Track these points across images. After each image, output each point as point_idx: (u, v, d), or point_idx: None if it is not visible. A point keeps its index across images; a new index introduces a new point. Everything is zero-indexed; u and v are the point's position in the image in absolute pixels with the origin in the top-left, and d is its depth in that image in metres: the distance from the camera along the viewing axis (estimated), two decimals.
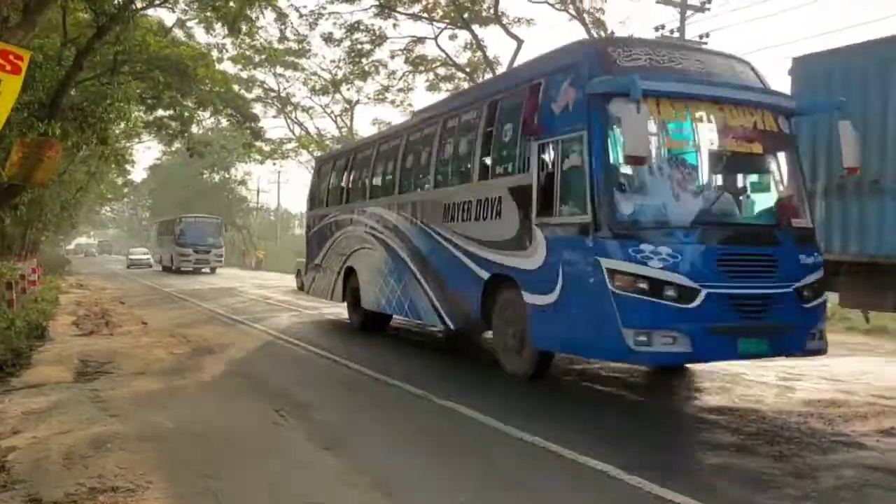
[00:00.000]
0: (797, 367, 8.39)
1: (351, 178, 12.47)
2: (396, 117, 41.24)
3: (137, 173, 60.32)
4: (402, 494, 4.25)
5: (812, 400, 6.72)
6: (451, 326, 8.69)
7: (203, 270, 36.68)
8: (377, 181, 11.28)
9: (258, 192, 68.31)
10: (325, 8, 28.72)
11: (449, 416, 6.06)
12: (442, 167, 9.30)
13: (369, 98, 36.38)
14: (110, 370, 8.39)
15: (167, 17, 55.75)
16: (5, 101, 5.44)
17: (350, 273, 11.78)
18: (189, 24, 26.53)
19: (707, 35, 24.55)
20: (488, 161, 8.05)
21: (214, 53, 27.85)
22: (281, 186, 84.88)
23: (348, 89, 36.41)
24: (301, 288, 17.33)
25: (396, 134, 11.14)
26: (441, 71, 30.30)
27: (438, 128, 9.34)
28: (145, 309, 16.48)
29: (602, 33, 21.68)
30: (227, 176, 63.46)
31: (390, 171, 10.73)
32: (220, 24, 19.06)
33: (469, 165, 8.46)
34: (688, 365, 7.75)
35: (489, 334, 8.33)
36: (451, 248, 8.43)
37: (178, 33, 25.35)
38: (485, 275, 7.70)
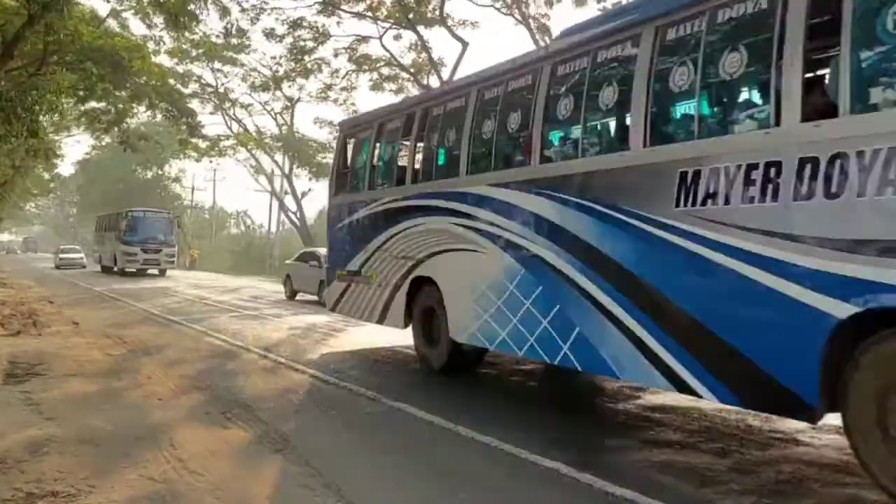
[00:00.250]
0: None
1: (423, 145, 8.61)
2: (338, 116, 40.89)
3: (65, 168, 58.02)
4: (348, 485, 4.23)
5: None
6: (717, 398, 4.70)
7: (149, 272, 32.77)
8: (488, 148, 7.21)
9: (193, 189, 66.55)
10: (267, 3, 28.27)
11: None
12: (679, 102, 5.24)
13: (311, 96, 36.10)
14: (41, 372, 8.04)
15: (101, 6, 53.89)
16: None
17: (421, 286, 8.23)
18: (124, 14, 25.67)
19: None
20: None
21: (151, 46, 27.05)
22: (217, 184, 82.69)
23: (290, 86, 35.94)
24: (308, 298, 16.30)
25: (530, 64, 6.78)
26: (385, 71, 30.19)
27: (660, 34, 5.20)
28: (75, 308, 15.84)
29: (546, 38, 22.01)
30: (160, 172, 61.68)
31: (521, 127, 6.75)
32: (159, 16, 18.52)
33: (773, 89, 4.36)
34: None
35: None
36: (714, 254, 4.54)
37: (112, 23, 24.53)
38: (838, 311, 3.87)
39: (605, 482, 4.33)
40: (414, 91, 29.76)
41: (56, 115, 20.76)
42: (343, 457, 4.94)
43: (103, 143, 49.31)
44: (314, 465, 4.72)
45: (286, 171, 41.30)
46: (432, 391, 7.18)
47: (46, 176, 45.49)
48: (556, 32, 22.18)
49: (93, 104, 26.17)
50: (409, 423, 5.87)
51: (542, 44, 22.12)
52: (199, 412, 6.21)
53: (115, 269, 32.68)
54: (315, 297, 18.11)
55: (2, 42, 12.40)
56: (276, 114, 40.25)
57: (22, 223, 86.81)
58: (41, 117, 15.06)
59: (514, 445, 5.09)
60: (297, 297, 19.71)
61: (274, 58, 34.97)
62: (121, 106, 27.08)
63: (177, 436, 5.39)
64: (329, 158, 36.18)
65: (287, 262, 22.34)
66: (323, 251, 13.80)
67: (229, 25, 29.18)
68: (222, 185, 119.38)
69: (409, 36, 27.02)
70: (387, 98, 29.98)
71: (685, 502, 4.12)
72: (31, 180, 40.05)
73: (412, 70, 28.64)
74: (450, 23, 24.89)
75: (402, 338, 10.96)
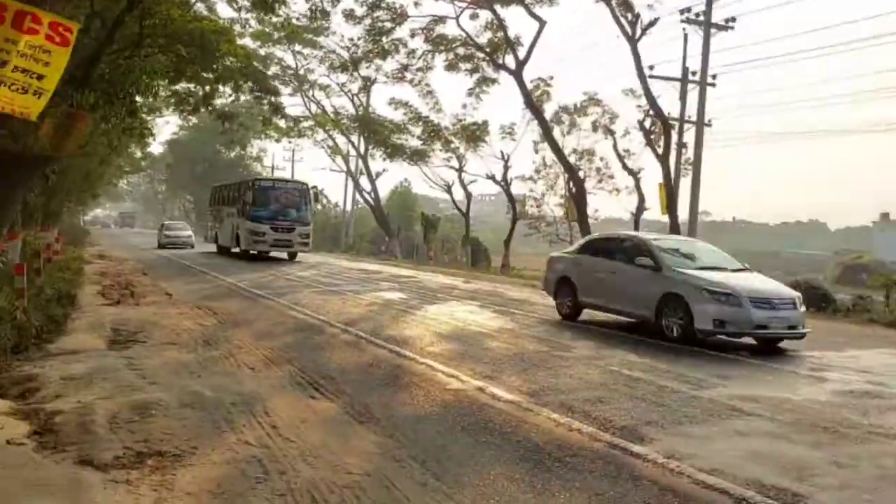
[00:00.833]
0: (825, 357, 8.44)
1: None
2: (414, 97, 41.12)
3: (155, 147, 60.55)
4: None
5: (844, 391, 6.76)
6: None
7: (275, 255, 26.42)
8: None
9: (273, 169, 68.42)
10: None
11: None
12: None
13: (387, 77, 36.22)
14: (142, 339, 8.54)
15: None
16: (55, 72, 5.51)
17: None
18: None
19: (733, 19, 24.31)
20: None
21: (236, 28, 27.87)
22: (295, 164, 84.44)
23: (367, 67, 36.29)
24: (608, 319, 11.34)
25: None
26: (461, 51, 30.07)
27: None
28: (168, 281, 16.65)
29: (629, 15, 21.46)
30: (242, 152, 63.62)
31: None
32: None
33: None
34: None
35: None
36: None
37: (200, 7, 25.35)
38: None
39: (694, 470, 4.30)
40: (489, 71, 29.63)
41: (150, 97, 21.68)
42: (426, 431, 5.07)
43: (190, 124, 51.24)
44: (398, 438, 4.88)
45: (362, 151, 41.91)
46: (514, 369, 7.24)
47: (139, 154, 47.54)
48: (640, 8, 21.61)
49: (182, 85, 27.18)
50: (487, 404, 5.94)
51: (624, 22, 21.58)
52: (288, 382, 6.47)
53: (237, 250, 26.48)
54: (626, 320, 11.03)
55: (103, 27, 13.02)
56: (353, 95, 40.83)
57: (115, 199, 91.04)
58: (138, 98, 15.77)
59: (596, 427, 5.12)
60: (585, 317, 11.52)
61: (352, 39, 35.16)
62: (207, 88, 28.03)
63: (269, 403, 5.65)
64: (404, 139, 36.53)
65: (562, 253, 13.11)
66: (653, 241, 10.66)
67: (314, 7, 29.66)
68: (300, 165, 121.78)
69: (485, 15, 26.83)
70: (462, 79, 29.77)
71: (779, 495, 4.05)
72: (124, 158, 41.99)
73: (488, 49, 28.44)
74: (527, 1, 24.55)
75: (470, 316, 11.06)
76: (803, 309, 9.20)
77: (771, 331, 8.76)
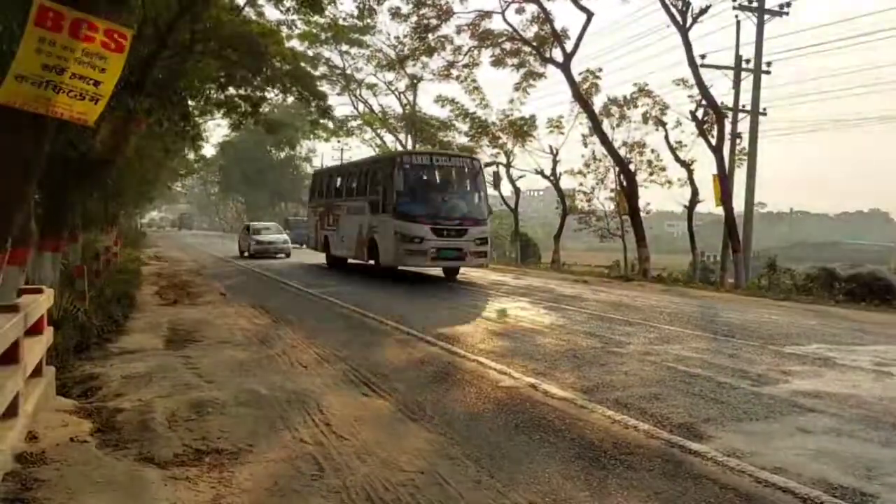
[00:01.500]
0: (890, 351, 8.08)
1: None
2: (460, 94, 41.00)
3: (208, 149, 61.91)
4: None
5: None
6: None
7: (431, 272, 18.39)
8: None
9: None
10: None
11: None
12: None
13: (434, 74, 36.25)
14: (198, 338, 8.72)
15: None
16: (111, 78, 5.64)
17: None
18: (259, 0, 26.92)
19: (788, 4, 23.54)
20: None
21: (283, 30, 28.26)
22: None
23: (413, 65, 36.41)
24: None
25: None
26: (507, 46, 29.89)
27: None
28: (222, 280, 17.01)
29: (679, 3, 20.96)
30: (292, 153, 64.66)
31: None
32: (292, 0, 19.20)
33: None
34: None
35: None
36: None
37: (248, 11, 25.78)
38: None
39: (756, 469, 4.16)
40: (536, 65, 29.35)
41: (202, 101, 22.18)
42: (479, 429, 5.02)
43: (241, 127, 52.32)
44: (452, 436, 4.85)
45: (409, 149, 42.08)
46: (567, 365, 7.12)
47: (192, 157, 48.70)
48: None
49: (231, 91, 27.72)
50: (540, 401, 5.85)
51: (674, 10, 21.09)
52: (341, 380, 6.51)
53: (381, 263, 17.04)
54: None
55: (156, 33, 13.33)
56: (399, 93, 41.04)
57: (169, 202, 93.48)
58: (190, 102, 16.14)
59: (652, 425, 5.00)
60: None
61: (398, 37, 35.31)
62: (257, 93, 28.49)
63: (323, 401, 5.69)
64: (450, 137, 36.51)
65: None
66: None
67: (362, 5, 29.91)
68: None
69: (531, 9, 26.58)
70: (508, 74, 29.56)
71: (847, 494, 3.87)
72: (178, 161, 43.08)
73: (535, 43, 28.18)
74: None
75: (521, 312, 10.97)
76: None
77: None
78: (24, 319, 4.48)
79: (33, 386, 5.07)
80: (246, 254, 28.78)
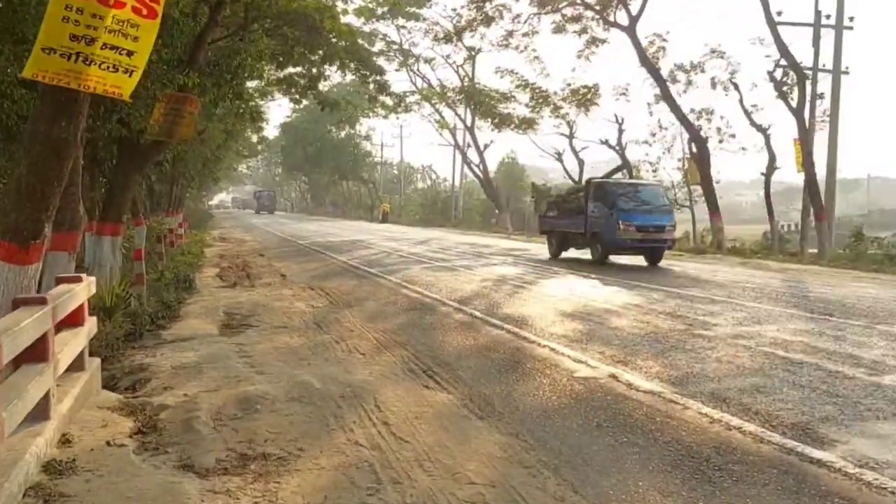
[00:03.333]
0: None
1: None
2: (520, 64, 39.87)
3: (270, 131, 62.44)
4: None
5: None
6: None
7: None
8: None
9: (382, 146, 69.20)
10: None
11: None
12: None
13: (492, 45, 35.24)
14: (254, 323, 8.38)
15: None
16: (144, 46, 5.19)
17: None
18: None
19: None
20: None
21: (339, 5, 27.79)
22: (403, 141, 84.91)
23: (471, 36, 35.47)
24: None
25: None
26: (568, 11, 28.66)
27: None
28: (282, 261, 16.82)
29: None
30: (352, 131, 64.61)
31: None
32: None
33: None
34: None
35: None
36: None
37: None
38: None
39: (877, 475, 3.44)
40: (598, 31, 28.05)
41: (259, 80, 21.95)
42: (556, 429, 4.42)
43: (301, 107, 52.40)
44: (525, 438, 4.26)
45: (468, 123, 41.28)
46: (649, 351, 6.41)
47: (255, 138, 49.16)
48: None
49: (290, 69, 27.53)
50: (623, 395, 5.19)
51: None
52: (401, 370, 6.01)
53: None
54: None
55: (210, 10, 13.01)
56: (457, 66, 40.18)
57: (235, 183, 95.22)
58: (245, 81, 15.84)
59: (759, 425, 4.29)
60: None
61: (454, 9, 34.48)
62: (315, 70, 28.23)
63: (381, 396, 5.18)
64: (511, 109, 35.51)
65: None
66: None
67: None
68: (408, 142, 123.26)
69: None
70: (571, 40, 28.37)
71: None
72: (241, 143, 43.51)
73: (597, 7, 26.88)
74: None
75: (592, 291, 10.25)
76: None
77: None
78: (52, 312, 4.10)
79: (72, 382, 4.72)
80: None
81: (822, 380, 5.27)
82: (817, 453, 3.82)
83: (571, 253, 17.29)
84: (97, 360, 5.46)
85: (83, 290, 5.05)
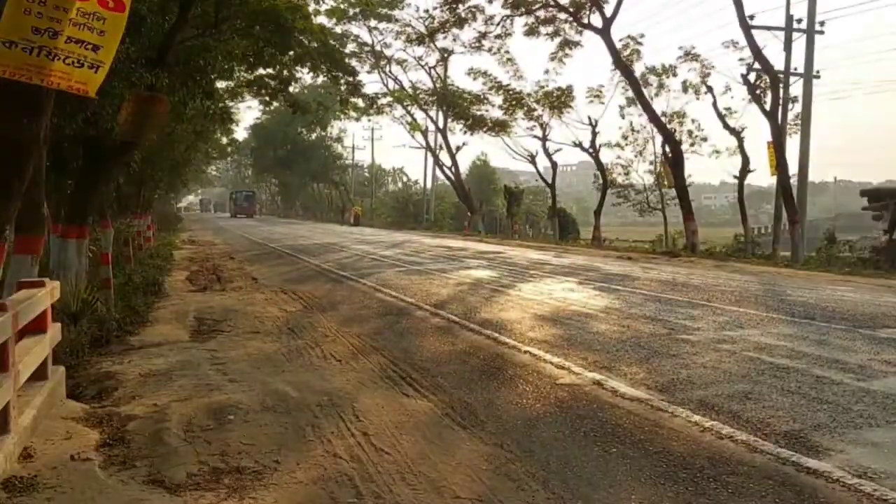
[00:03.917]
0: None
1: None
2: (493, 66, 39.85)
3: (240, 133, 61.65)
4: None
5: None
6: None
7: None
8: None
9: (353, 148, 68.78)
10: None
11: None
12: None
13: (465, 47, 35.16)
14: (226, 328, 8.15)
15: None
16: (111, 40, 4.96)
17: None
18: None
19: None
20: None
21: (311, 6, 27.48)
22: (375, 143, 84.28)
23: (444, 38, 35.36)
24: None
25: None
26: (541, 14, 28.68)
27: None
28: (254, 265, 16.51)
29: None
30: (323, 134, 64.11)
31: None
32: None
33: None
34: None
35: None
36: None
37: None
38: None
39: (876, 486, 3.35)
40: (572, 34, 28.16)
41: (229, 81, 21.57)
42: (542, 438, 4.28)
43: (271, 108, 51.80)
44: (510, 448, 4.12)
45: (440, 125, 41.16)
46: (633, 357, 6.31)
47: (224, 140, 48.46)
48: None
49: (261, 71, 27.12)
50: (609, 402, 5.08)
51: None
52: (378, 376, 5.83)
53: None
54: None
55: (177, 6, 12.70)
56: (430, 68, 40.02)
57: (204, 185, 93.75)
58: (215, 81, 15.52)
59: (751, 433, 4.20)
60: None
61: (427, 11, 34.31)
62: (286, 72, 27.86)
63: (359, 404, 5.00)
64: (484, 110, 35.40)
65: None
66: None
67: None
68: (379, 144, 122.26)
69: None
70: (545, 43, 28.45)
71: None
72: (210, 144, 42.86)
73: (571, 10, 26.95)
74: None
75: (570, 295, 10.18)
76: None
77: None
78: (13, 319, 3.85)
79: (34, 392, 4.47)
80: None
81: (810, 385, 5.21)
82: (813, 463, 3.72)
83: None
84: (61, 369, 5.20)
85: (46, 296, 4.79)
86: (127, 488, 3.59)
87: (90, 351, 6.77)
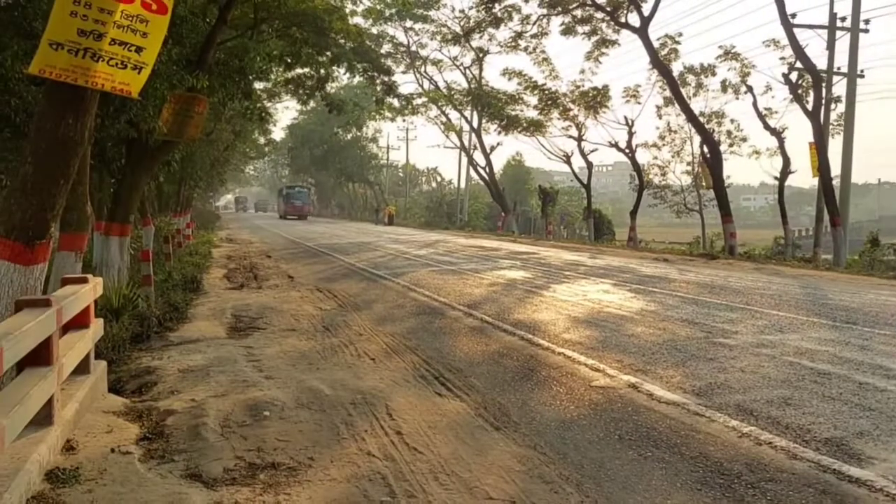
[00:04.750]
0: None
1: None
2: (528, 66, 39.70)
3: (277, 133, 62.42)
4: None
5: None
6: None
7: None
8: None
9: (388, 148, 69.12)
10: None
11: None
12: None
13: (501, 46, 35.10)
14: (262, 326, 8.25)
15: None
16: (154, 42, 5.06)
17: None
18: None
19: None
20: None
21: (348, 6, 27.71)
22: (409, 143, 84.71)
23: (479, 37, 35.33)
24: None
25: None
26: (578, 13, 28.48)
27: None
28: (289, 263, 16.69)
29: None
30: (359, 134, 64.55)
31: None
32: None
33: None
34: None
35: None
36: None
37: None
38: None
39: None
40: (609, 32, 27.90)
41: (267, 81, 21.86)
42: (576, 441, 4.25)
43: (308, 108, 52.34)
44: (544, 450, 4.10)
45: (475, 125, 41.13)
46: (669, 360, 6.23)
47: (262, 140, 49.14)
48: None
49: (298, 70, 27.45)
50: (645, 406, 5.01)
51: None
52: (412, 376, 5.85)
53: None
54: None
55: (217, 8, 12.91)
56: (465, 68, 40.03)
57: (242, 184, 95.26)
58: (254, 82, 15.74)
59: (791, 440, 4.11)
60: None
61: (463, 11, 34.33)
62: (322, 71, 28.15)
63: (393, 403, 5.03)
64: (518, 110, 35.26)
65: None
66: None
67: None
68: (414, 144, 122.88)
69: None
70: (579, 43, 28.25)
71: None
72: (248, 144, 43.48)
73: (608, 9, 26.70)
74: None
75: (605, 296, 10.09)
76: None
77: None
78: (57, 314, 3.95)
79: (77, 386, 4.59)
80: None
81: (852, 392, 5.08)
82: (855, 471, 3.63)
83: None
84: (103, 363, 5.33)
85: (89, 292, 4.91)
86: (165, 482, 3.66)
87: (131, 346, 6.92)
